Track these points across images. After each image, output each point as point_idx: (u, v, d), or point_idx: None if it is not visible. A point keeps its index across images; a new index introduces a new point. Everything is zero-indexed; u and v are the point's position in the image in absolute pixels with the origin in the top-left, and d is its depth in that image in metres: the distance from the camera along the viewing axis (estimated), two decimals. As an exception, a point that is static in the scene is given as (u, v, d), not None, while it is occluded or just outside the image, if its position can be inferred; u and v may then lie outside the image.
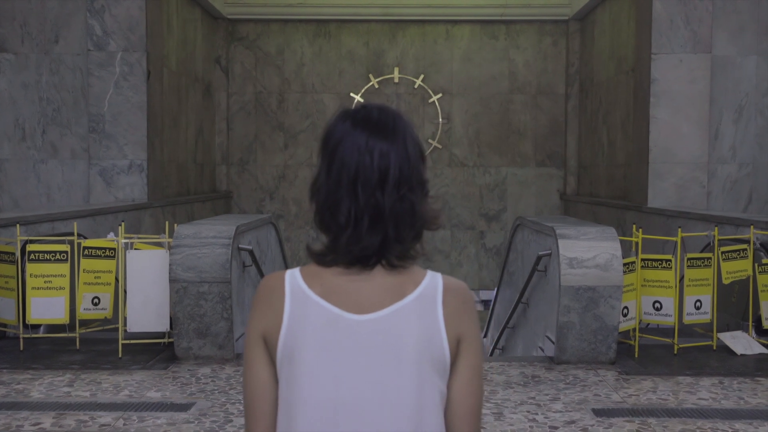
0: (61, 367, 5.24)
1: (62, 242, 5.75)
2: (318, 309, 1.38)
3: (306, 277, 1.41)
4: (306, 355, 1.36)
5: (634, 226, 6.06)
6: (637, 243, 5.74)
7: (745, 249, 5.86)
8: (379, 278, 1.39)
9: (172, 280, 5.36)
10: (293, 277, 1.42)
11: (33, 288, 5.56)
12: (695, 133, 9.06)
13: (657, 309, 5.64)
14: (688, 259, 5.74)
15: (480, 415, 1.44)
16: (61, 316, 5.62)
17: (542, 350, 5.89)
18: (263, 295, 1.44)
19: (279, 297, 1.40)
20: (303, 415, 1.36)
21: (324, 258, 1.41)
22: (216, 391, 4.73)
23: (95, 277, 5.67)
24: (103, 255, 5.69)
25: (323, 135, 1.44)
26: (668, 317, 5.64)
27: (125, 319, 5.59)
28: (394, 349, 1.36)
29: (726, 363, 5.45)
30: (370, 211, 1.37)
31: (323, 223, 1.41)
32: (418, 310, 1.38)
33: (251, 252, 5.96)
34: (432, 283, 1.41)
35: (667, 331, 5.92)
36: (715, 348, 5.77)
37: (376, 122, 1.40)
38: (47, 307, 5.57)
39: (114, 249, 5.73)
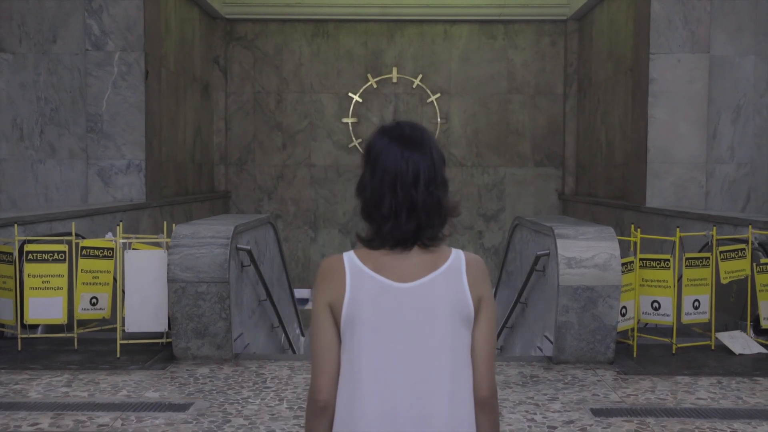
0: (59, 368, 5.23)
1: (60, 242, 5.74)
2: (372, 280, 1.76)
3: (360, 256, 1.79)
4: (365, 316, 1.74)
5: (632, 225, 6.06)
6: (635, 243, 5.74)
7: (744, 249, 5.87)
8: (416, 256, 1.78)
9: (171, 280, 5.35)
10: (350, 257, 1.79)
11: (31, 288, 5.55)
12: (693, 133, 9.07)
13: (655, 309, 5.64)
14: (687, 258, 5.74)
15: (495, 355, 1.84)
16: (59, 316, 5.61)
17: (541, 350, 5.89)
18: (327, 272, 1.79)
19: (340, 274, 1.77)
20: (366, 361, 1.73)
21: (372, 243, 1.79)
22: (214, 391, 4.73)
23: (93, 277, 5.66)
24: (101, 255, 5.69)
25: (366, 147, 1.83)
26: (666, 317, 5.64)
27: (123, 319, 5.58)
28: (432, 308, 1.75)
29: (724, 363, 5.45)
30: (406, 205, 1.75)
31: (370, 215, 1.79)
32: (448, 279, 1.77)
33: (249, 252, 5.96)
34: (457, 257, 1.81)
35: (665, 331, 5.92)
36: (713, 348, 5.78)
37: (409, 137, 1.80)
38: (45, 307, 5.56)
39: (112, 249, 5.72)
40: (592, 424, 4.16)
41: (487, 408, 1.80)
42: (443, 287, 1.76)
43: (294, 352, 7.85)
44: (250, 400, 4.56)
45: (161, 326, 5.63)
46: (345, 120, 13.27)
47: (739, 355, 5.64)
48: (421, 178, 1.76)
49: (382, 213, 1.76)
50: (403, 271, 1.76)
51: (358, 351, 1.74)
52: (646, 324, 5.97)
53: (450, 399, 1.73)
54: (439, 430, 1.72)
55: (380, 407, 1.72)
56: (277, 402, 4.53)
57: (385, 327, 1.74)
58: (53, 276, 5.58)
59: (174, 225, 5.69)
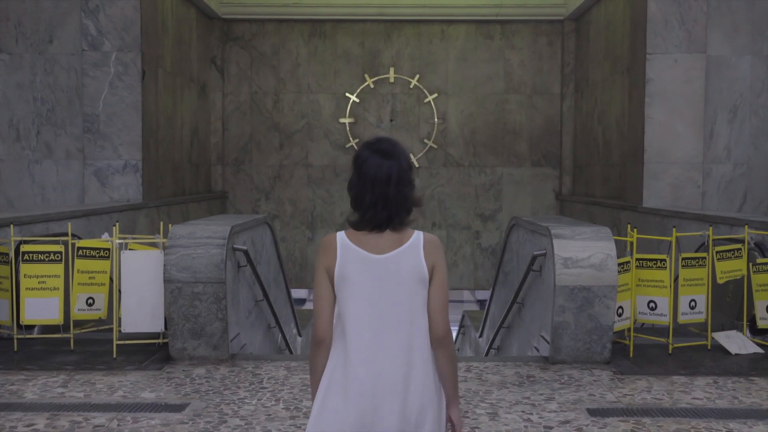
0: (55, 368, 5.22)
1: (56, 243, 5.73)
2: (356, 252, 2.41)
3: (348, 235, 2.44)
4: (351, 278, 2.40)
5: (629, 225, 6.06)
6: (631, 243, 5.75)
7: (740, 249, 5.87)
8: (387, 235, 2.42)
9: (167, 281, 5.35)
10: (341, 235, 2.44)
11: (27, 288, 5.54)
12: (690, 133, 9.08)
13: (652, 309, 5.65)
14: (683, 258, 5.75)
15: (447, 309, 2.45)
16: (55, 316, 5.60)
17: (537, 350, 5.89)
18: (325, 246, 2.45)
19: (334, 247, 2.43)
20: (352, 308, 2.40)
21: (357, 225, 2.43)
22: (210, 392, 4.72)
23: (89, 278, 5.65)
24: (97, 255, 5.68)
25: (354, 156, 2.48)
26: (663, 317, 5.64)
27: (120, 319, 5.58)
28: (397, 273, 2.40)
29: (720, 362, 5.46)
30: (381, 200, 2.40)
31: (356, 206, 2.43)
32: (410, 252, 2.42)
33: (246, 252, 5.95)
34: (417, 237, 2.45)
35: (661, 331, 5.93)
36: (709, 347, 5.78)
37: (385, 150, 2.44)
38: (41, 307, 5.56)
39: (108, 249, 5.72)
40: (588, 424, 4.16)
41: (441, 344, 2.43)
42: (406, 258, 2.41)
43: (291, 352, 7.84)
44: (246, 400, 4.56)
45: (157, 327, 5.62)
46: (342, 120, 13.27)
47: (736, 355, 5.64)
48: (392, 180, 2.41)
49: (364, 204, 2.41)
50: (378, 246, 2.41)
51: (346, 301, 2.41)
52: (643, 324, 5.97)
53: (407, 335, 2.40)
54: (398, 353, 2.38)
55: (361, 339, 2.39)
56: (273, 402, 4.53)
57: (365, 285, 2.40)
58: (49, 276, 5.57)
59: (170, 225, 5.69)
